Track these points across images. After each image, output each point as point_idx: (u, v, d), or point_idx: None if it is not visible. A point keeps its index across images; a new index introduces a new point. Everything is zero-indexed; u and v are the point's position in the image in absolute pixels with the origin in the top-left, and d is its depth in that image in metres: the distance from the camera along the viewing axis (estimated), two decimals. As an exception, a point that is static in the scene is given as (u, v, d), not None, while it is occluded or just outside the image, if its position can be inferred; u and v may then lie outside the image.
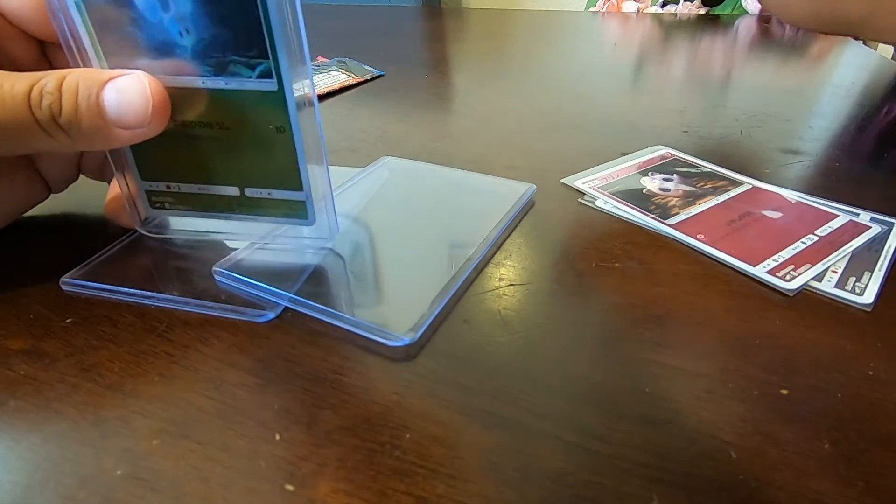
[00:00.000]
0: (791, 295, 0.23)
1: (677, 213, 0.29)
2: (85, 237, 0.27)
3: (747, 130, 0.41)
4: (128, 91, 0.20)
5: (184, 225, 0.26)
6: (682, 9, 1.01)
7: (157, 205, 0.24)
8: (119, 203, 0.25)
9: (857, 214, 0.30)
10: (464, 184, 0.32)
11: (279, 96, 0.20)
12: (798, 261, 0.25)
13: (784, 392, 0.19)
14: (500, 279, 0.24)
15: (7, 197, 0.26)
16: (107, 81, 0.20)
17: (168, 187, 0.24)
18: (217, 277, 0.23)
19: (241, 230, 0.25)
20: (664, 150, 0.37)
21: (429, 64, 0.62)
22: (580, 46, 0.72)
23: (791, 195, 0.31)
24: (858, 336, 0.22)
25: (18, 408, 0.18)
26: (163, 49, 0.20)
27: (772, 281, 0.24)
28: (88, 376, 0.19)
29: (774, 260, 0.25)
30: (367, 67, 0.57)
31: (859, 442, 0.17)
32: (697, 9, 1.01)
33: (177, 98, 0.21)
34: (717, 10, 0.99)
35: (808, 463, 0.17)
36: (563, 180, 0.33)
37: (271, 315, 0.22)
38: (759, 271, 0.25)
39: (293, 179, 0.22)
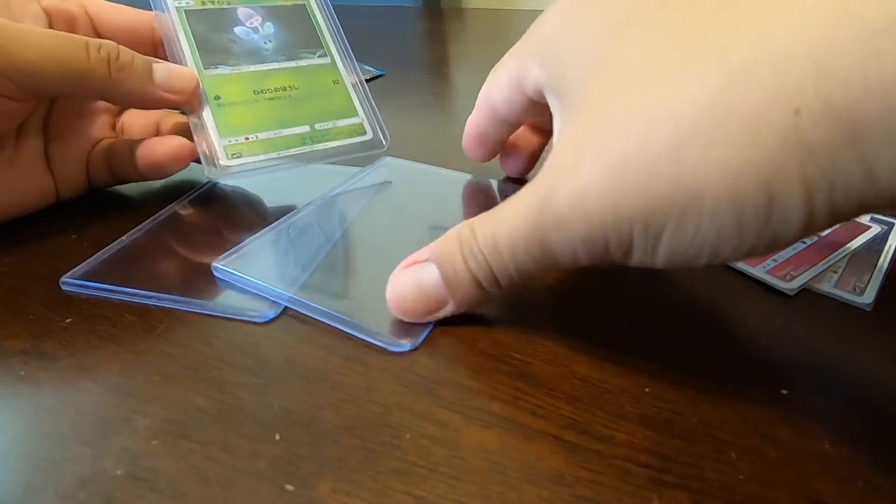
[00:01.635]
0: (791, 295, 0.23)
1: None
2: (85, 237, 0.27)
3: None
4: (177, 70, 0.27)
5: (257, 163, 0.29)
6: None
7: (235, 155, 0.28)
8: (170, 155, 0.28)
9: (857, 214, 0.30)
10: (464, 185, 0.32)
11: (333, 65, 0.33)
12: (798, 261, 0.25)
13: (784, 392, 0.19)
14: (500, 279, 0.24)
15: (16, 189, 0.27)
16: (154, 61, 0.26)
17: (246, 138, 0.29)
18: (216, 274, 0.23)
19: (309, 156, 0.30)
20: None
21: (429, 64, 0.62)
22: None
23: None
24: (858, 336, 0.22)
25: (18, 408, 0.18)
26: (251, 53, 0.31)
27: (772, 281, 0.24)
28: (88, 376, 0.19)
29: (774, 260, 0.25)
30: (367, 67, 0.57)
31: (859, 442, 0.17)
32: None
33: (260, 77, 0.30)
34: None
35: (808, 463, 0.17)
36: None
37: (271, 315, 0.22)
38: (759, 271, 0.25)
39: (350, 110, 0.32)
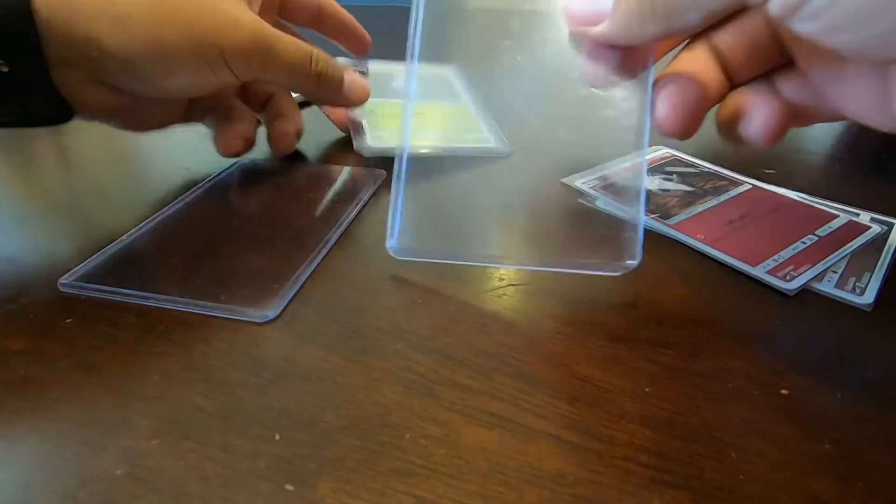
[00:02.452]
0: (791, 295, 0.23)
1: (677, 213, 0.29)
2: (85, 237, 0.27)
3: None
4: (357, 83, 0.34)
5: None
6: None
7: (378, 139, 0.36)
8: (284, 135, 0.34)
9: (858, 214, 0.30)
10: None
11: (464, 106, 0.40)
12: (798, 261, 0.25)
13: (784, 392, 0.19)
14: (501, 279, 0.24)
15: (166, 112, 0.31)
16: (346, 70, 0.33)
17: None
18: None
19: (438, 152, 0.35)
20: (664, 150, 0.37)
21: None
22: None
23: (791, 195, 0.31)
24: (858, 336, 0.22)
25: (18, 408, 0.18)
26: (401, 95, 0.30)
27: (772, 281, 0.24)
28: (88, 376, 0.19)
29: (774, 260, 0.25)
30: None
31: (859, 442, 0.17)
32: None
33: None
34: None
35: (808, 463, 0.17)
36: (563, 180, 0.33)
37: (271, 315, 0.22)
38: (760, 271, 0.25)
39: (477, 128, 0.38)
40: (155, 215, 0.28)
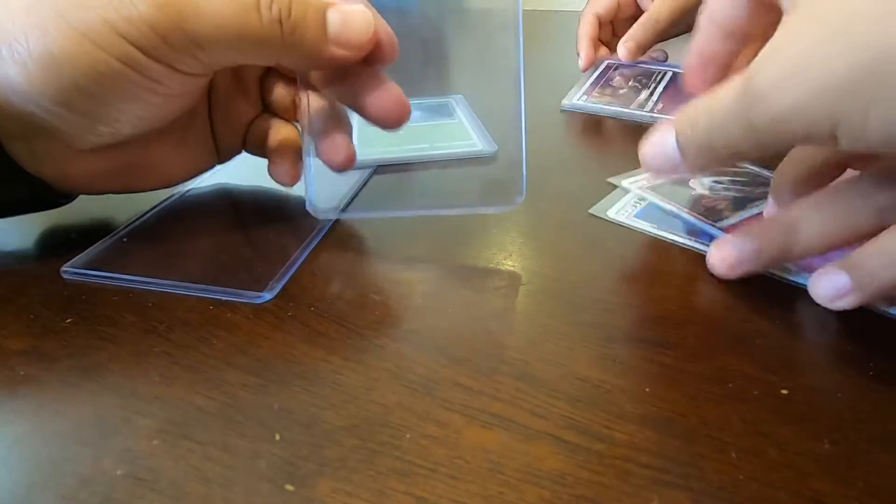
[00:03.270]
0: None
1: (728, 217, 0.29)
2: (86, 238, 0.27)
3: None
4: (351, 16, 0.22)
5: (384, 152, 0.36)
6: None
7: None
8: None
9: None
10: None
11: (460, 124, 0.40)
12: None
13: (784, 392, 0.19)
14: (501, 279, 0.24)
15: (186, 162, 0.27)
16: (329, 6, 0.22)
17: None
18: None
19: (426, 157, 0.36)
20: None
21: (429, 64, 0.62)
22: (580, 46, 0.72)
23: None
24: (858, 336, 0.22)
25: (18, 408, 0.18)
26: None
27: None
28: (88, 376, 0.19)
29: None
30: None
31: (859, 442, 0.17)
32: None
33: None
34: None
35: (808, 463, 0.17)
36: (609, 179, 0.32)
37: (268, 296, 0.22)
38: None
39: (467, 136, 0.37)
40: (156, 205, 0.28)
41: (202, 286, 0.23)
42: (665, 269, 0.25)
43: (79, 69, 0.20)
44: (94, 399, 0.18)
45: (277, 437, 0.17)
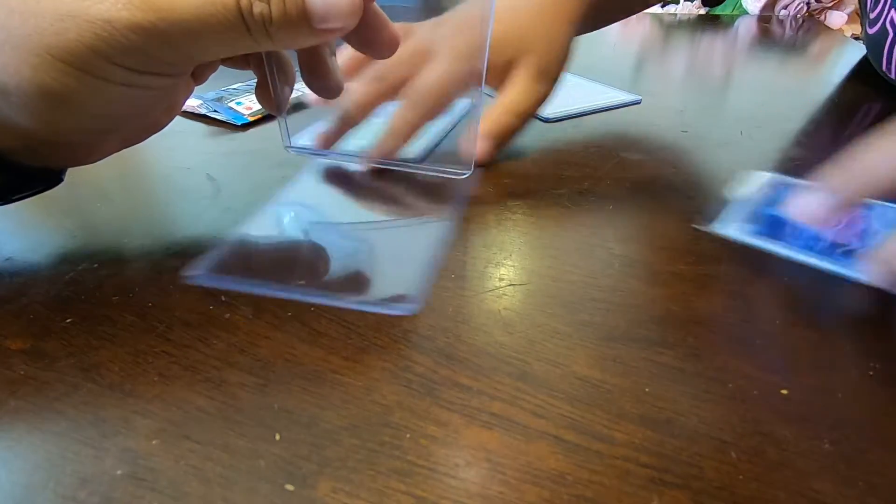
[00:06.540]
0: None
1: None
2: (85, 237, 0.27)
3: (747, 131, 0.41)
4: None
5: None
6: (682, 9, 1.01)
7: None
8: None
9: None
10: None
11: None
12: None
13: (784, 392, 0.19)
14: (500, 279, 0.24)
15: (171, 112, 0.27)
16: None
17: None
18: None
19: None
20: (766, 175, 0.33)
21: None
22: (580, 46, 0.72)
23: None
24: (858, 336, 0.22)
25: (18, 408, 0.18)
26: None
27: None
28: (88, 376, 0.19)
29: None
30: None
31: (859, 442, 0.17)
32: (697, 9, 1.01)
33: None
34: (717, 10, 0.99)
35: (808, 463, 0.17)
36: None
37: (415, 307, 0.22)
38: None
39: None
40: (257, 213, 0.28)
41: (352, 297, 0.23)
42: (664, 269, 0.25)
43: (19, 80, 0.19)
44: (94, 399, 0.18)
45: (277, 437, 0.17)
